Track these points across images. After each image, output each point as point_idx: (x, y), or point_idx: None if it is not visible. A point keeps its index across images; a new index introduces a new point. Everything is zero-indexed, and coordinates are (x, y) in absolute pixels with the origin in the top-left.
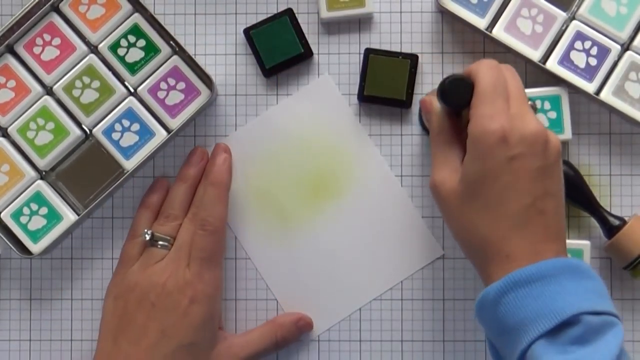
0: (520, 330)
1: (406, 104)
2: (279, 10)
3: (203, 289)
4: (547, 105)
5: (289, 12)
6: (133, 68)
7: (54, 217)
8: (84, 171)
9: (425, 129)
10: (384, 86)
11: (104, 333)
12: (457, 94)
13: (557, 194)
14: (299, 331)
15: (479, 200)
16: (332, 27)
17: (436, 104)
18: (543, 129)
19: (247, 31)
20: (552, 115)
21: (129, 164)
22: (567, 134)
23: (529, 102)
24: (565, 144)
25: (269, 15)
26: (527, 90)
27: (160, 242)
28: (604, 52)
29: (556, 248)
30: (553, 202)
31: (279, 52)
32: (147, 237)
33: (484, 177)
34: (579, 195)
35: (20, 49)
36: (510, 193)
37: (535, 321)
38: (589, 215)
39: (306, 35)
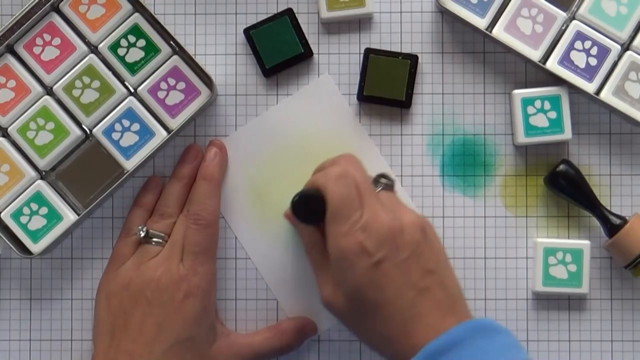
0: None
1: (406, 104)
2: (279, 10)
3: (197, 283)
4: (547, 105)
5: (289, 12)
6: (133, 68)
7: (54, 217)
8: (84, 171)
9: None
10: (384, 86)
11: (100, 332)
12: (309, 211)
13: (435, 268)
14: (303, 337)
15: (367, 309)
16: (332, 27)
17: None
18: (395, 219)
19: (247, 31)
20: (552, 115)
21: (129, 164)
22: (567, 133)
23: (387, 182)
24: (565, 144)
25: (269, 16)
26: (528, 90)
27: (155, 239)
28: (604, 52)
29: (458, 315)
30: (434, 278)
31: (279, 52)
32: (142, 234)
33: (358, 289)
34: (579, 194)
35: (20, 49)
36: (390, 293)
37: None
38: (590, 214)
39: (306, 35)
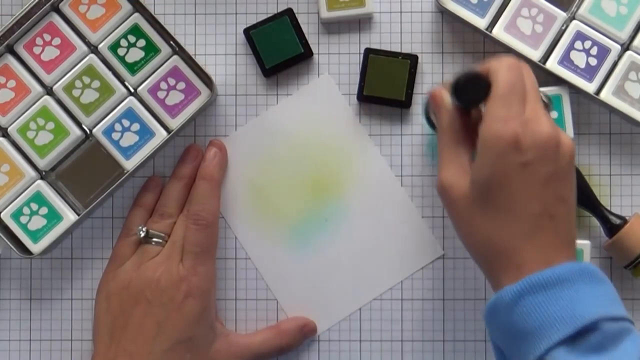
0: (536, 335)
1: (406, 104)
2: (278, 10)
3: (197, 283)
4: None
5: (289, 12)
6: (133, 68)
7: (54, 217)
8: (84, 171)
9: (431, 123)
10: (384, 86)
11: (100, 332)
12: (472, 92)
13: (569, 198)
14: (303, 337)
15: (488, 205)
16: (332, 27)
17: (447, 99)
18: (556, 132)
19: (247, 31)
20: (554, 115)
21: (129, 164)
22: (569, 133)
23: (543, 98)
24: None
25: (269, 15)
26: None
27: (155, 239)
28: (604, 52)
29: (567, 254)
30: (564, 207)
31: (279, 52)
32: (142, 234)
33: (494, 183)
34: (579, 194)
35: (20, 49)
36: (521, 200)
37: (554, 326)
38: (590, 214)
39: (306, 35)
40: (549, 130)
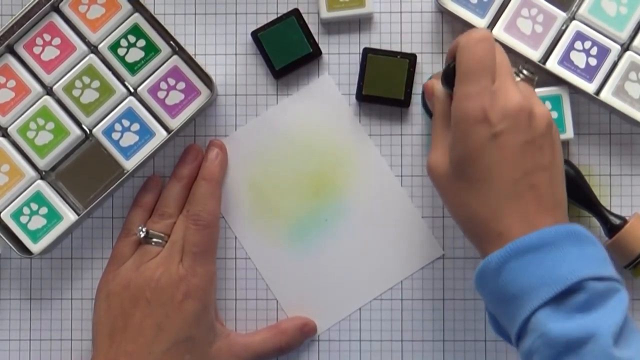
0: (522, 298)
1: (405, 103)
2: (279, 9)
3: (197, 284)
4: (548, 105)
5: (296, 13)
6: (133, 68)
7: (54, 217)
8: (84, 171)
9: (429, 112)
10: (383, 86)
11: (100, 332)
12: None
13: (550, 166)
14: (303, 337)
15: (466, 179)
16: (332, 27)
17: (438, 88)
18: (527, 101)
19: (254, 34)
20: (554, 115)
21: (129, 164)
22: (569, 133)
23: (528, 75)
24: (567, 143)
25: (269, 15)
26: None
27: (155, 240)
28: (604, 52)
29: (553, 218)
30: (545, 174)
31: (288, 52)
32: (142, 235)
33: (468, 157)
34: (579, 195)
35: (20, 49)
36: (497, 170)
37: (539, 288)
38: (590, 214)
39: None
40: (518, 100)
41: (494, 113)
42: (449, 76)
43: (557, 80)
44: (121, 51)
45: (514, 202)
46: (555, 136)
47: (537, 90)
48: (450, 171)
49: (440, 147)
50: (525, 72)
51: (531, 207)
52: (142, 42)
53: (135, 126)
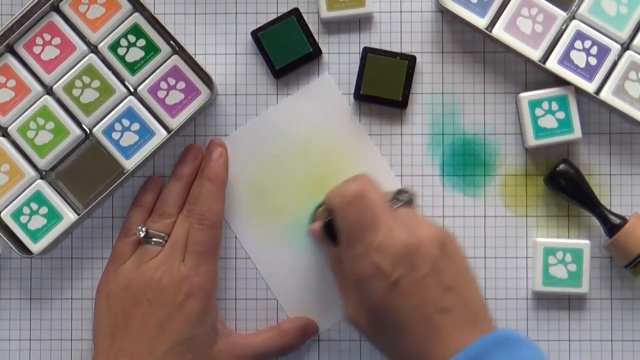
0: None
1: (402, 104)
2: (279, 9)
3: (199, 283)
4: (554, 106)
5: (296, 12)
6: (133, 68)
7: (54, 216)
8: (84, 171)
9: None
10: (381, 86)
11: (101, 332)
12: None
13: (455, 284)
14: (305, 338)
15: (383, 328)
16: (332, 27)
17: (324, 239)
18: (412, 236)
19: (254, 33)
20: (561, 115)
21: (129, 164)
22: (577, 132)
23: (405, 198)
24: (575, 143)
25: (269, 14)
26: (534, 93)
27: (154, 239)
28: (604, 51)
29: (477, 332)
30: (453, 295)
31: (288, 52)
32: (142, 234)
33: (377, 310)
34: (579, 194)
35: (20, 49)
36: (407, 314)
37: None
38: (590, 214)
39: None
40: (404, 240)
41: (386, 264)
42: (329, 230)
43: (559, 80)
44: (121, 51)
45: (434, 334)
46: (450, 250)
47: (543, 91)
48: (369, 324)
49: (350, 297)
50: (402, 195)
51: (452, 330)
52: (142, 42)
53: (135, 126)
